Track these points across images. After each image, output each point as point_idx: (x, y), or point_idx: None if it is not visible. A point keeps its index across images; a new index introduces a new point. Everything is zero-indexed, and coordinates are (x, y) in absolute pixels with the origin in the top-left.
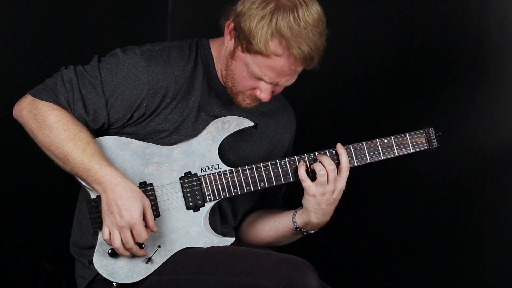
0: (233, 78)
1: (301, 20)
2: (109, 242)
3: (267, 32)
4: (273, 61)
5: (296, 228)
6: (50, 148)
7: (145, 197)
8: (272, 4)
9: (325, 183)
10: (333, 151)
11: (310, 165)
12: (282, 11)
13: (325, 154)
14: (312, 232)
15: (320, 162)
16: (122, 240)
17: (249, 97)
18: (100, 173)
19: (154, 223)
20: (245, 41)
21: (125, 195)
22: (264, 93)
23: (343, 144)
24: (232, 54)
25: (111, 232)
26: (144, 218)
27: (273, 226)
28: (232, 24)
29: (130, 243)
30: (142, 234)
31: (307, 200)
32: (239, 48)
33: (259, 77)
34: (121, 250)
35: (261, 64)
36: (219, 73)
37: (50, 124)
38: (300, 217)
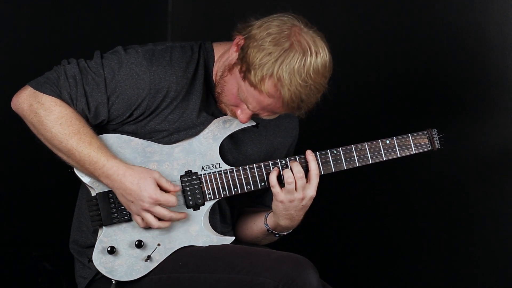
0: (223, 88)
1: (305, 71)
2: (147, 226)
3: (267, 70)
4: (262, 97)
5: (268, 230)
6: (53, 142)
7: (151, 170)
8: (287, 44)
9: (293, 190)
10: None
11: (282, 171)
12: (292, 54)
13: (296, 160)
14: (285, 233)
15: (290, 169)
16: (156, 218)
17: (230, 111)
18: (107, 165)
19: (173, 184)
20: (245, 66)
21: (135, 180)
22: (243, 114)
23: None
24: (231, 68)
25: (142, 218)
26: (161, 188)
27: (249, 227)
28: (242, 42)
29: (166, 214)
30: (170, 200)
31: (275, 205)
32: (238, 67)
33: (244, 102)
34: (163, 225)
35: (250, 93)
36: (214, 76)
37: (53, 119)
38: (270, 220)
